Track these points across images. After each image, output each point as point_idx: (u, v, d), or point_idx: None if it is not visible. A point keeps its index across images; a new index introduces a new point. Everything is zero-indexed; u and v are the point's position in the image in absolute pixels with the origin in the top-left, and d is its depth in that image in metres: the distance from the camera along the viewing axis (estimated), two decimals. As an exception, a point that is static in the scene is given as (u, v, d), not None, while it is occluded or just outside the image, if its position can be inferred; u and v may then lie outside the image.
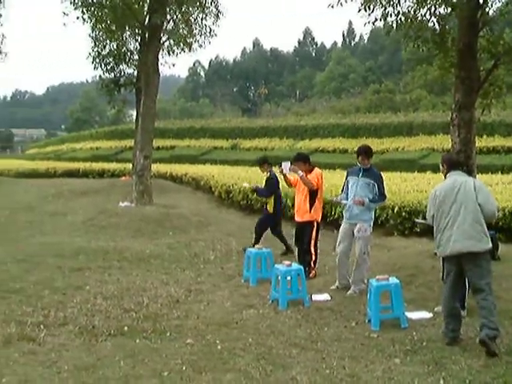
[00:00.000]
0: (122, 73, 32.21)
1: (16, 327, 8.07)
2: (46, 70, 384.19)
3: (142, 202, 20.49)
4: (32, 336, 7.75)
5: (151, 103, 21.19)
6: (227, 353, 7.22)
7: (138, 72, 30.37)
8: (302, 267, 9.97)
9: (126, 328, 8.14)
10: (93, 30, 28.46)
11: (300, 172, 11.14)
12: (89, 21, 24.92)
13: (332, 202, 14.34)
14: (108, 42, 29.85)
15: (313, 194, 11.30)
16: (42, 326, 8.16)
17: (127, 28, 26.46)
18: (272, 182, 14.10)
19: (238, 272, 11.89)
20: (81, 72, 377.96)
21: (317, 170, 11.50)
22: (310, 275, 11.09)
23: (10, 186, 30.95)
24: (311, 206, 11.31)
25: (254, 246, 13.78)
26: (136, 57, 30.64)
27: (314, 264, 11.44)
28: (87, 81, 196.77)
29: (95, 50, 30.62)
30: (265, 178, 14.53)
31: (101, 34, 28.14)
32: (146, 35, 22.64)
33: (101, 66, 31.25)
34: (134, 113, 37.90)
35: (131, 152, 38.27)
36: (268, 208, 14.20)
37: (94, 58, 30.90)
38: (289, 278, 9.58)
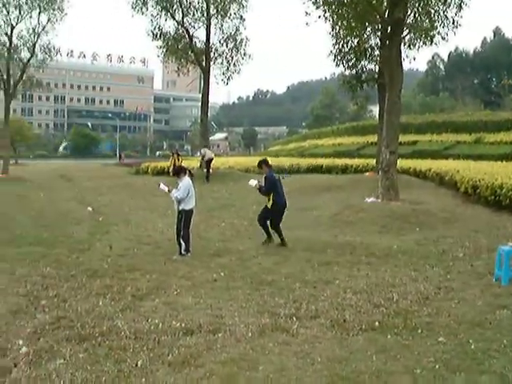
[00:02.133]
0: (364, 69, 32.35)
1: (270, 318, 8.38)
2: (286, 70, 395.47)
3: (388, 197, 20.42)
4: (285, 327, 7.98)
5: (396, 98, 21.00)
6: (481, 353, 6.98)
7: (379, 67, 30.36)
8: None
9: (376, 323, 8.13)
10: (333, 28, 28.86)
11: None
12: (330, 19, 25.32)
13: None
14: (349, 38, 30.11)
15: None
16: (294, 318, 8.39)
17: (367, 24, 26.50)
18: (268, 181, 15.07)
19: (488, 270, 11.43)
20: (319, 70, 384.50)
21: None
22: None
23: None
24: None
25: (268, 241, 14.80)
26: (377, 52, 30.64)
27: None
28: (326, 78, 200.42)
29: (336, 47, 31.06)
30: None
31: (341, 31, 28.44)
32: (388, 30, 22.47)
33: (342, 62, 31.67)
34: (374, 108, 37.89)
35: (373, 147, 38.44)
36: (267, 204, 15.03)
37: (335, 56, 31.35)
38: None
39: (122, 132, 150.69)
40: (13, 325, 8.07)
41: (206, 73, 39.34)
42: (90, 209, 23.22)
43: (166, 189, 14.09)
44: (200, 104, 40.81)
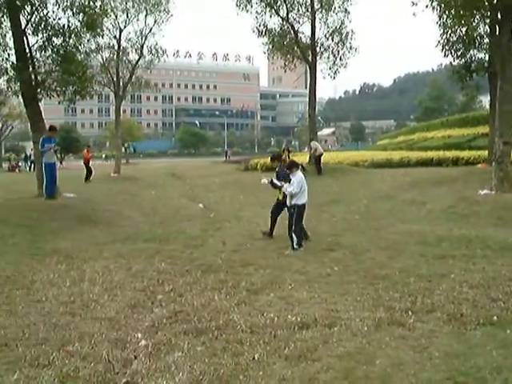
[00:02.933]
0: (473, 58, 31.61)
1: (385, 312, 8.32)
2: (392, 62, 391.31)
3: (502, 189, 19.92)
4: (401, 321, 7.90)
5: (508, 87, 20.43)
6: None
7: (489, 56, 29.62)
8: None
9: (495, 318, 7.93)
10: (440, 17, 28.37)
11: None
12: (437, 8, 24.93)
13: None
14: (457, 27, 29.49)
15: None
16: (409, 312, 8.29)
17: (476, 11, 25.83)
18: (279, 175, 14.99)
19: None
20: (426, 61, 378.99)
21: None
22: None
23: (365, 176, 31.83)
24: None
25: (270, 232, 15.31)
26: (486, 40, 29.87)
27: None
28: (433, 69, 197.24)
29: (444, 37, 30.46)
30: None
31: (449, 20, 27.92)
32: (498, 16, 21.88)
33: (451, 52, 31.02)
34: (484, 98, 36.94)
35: (484, 139, 37.46)
36: (279, 197, 15.07)
37: (443, 46, 30.75)
38: None
39: (230, 129, 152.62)
40: (131, 318, 8.30)
41: (312, 68, 39.26)
42: (201, 205, 23.66)
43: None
44: (307, 99, 40.80)
